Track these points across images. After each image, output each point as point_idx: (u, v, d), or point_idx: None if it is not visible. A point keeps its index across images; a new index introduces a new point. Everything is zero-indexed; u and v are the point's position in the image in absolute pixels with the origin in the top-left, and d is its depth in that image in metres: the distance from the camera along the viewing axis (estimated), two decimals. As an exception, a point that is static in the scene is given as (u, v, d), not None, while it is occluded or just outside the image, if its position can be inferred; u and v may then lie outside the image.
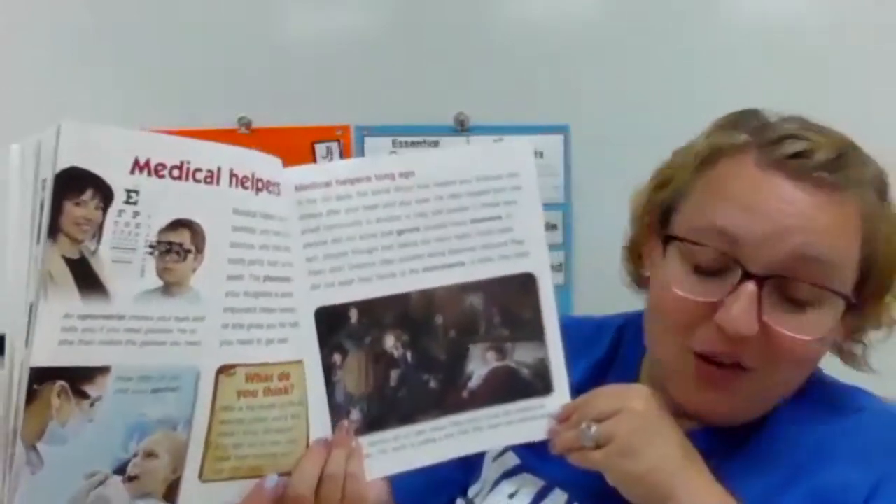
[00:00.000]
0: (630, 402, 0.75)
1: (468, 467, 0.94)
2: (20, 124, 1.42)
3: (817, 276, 0.76)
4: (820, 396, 0.83)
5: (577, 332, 0.95)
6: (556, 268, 1.54)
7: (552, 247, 1.54)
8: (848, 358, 0.85)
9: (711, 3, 1.53)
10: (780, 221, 0.76)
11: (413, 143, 1.52)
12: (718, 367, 0.78)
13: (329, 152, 1.52)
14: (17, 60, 1.47)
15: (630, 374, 0.84)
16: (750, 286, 0.75)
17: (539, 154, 1.52)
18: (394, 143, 1.53)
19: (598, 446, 0.74)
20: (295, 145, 1.50)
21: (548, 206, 1.50)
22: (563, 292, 1.54)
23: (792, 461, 0.79)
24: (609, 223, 1.47)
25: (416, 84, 1.52)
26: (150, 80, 1.49)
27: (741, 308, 0.74)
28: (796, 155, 0.78)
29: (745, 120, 0.84)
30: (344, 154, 1.52)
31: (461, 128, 1.52)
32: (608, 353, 0.91)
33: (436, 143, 1.52)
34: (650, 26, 1.51)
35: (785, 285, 0.76)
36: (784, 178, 0.78)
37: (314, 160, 1.50)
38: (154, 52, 1.49)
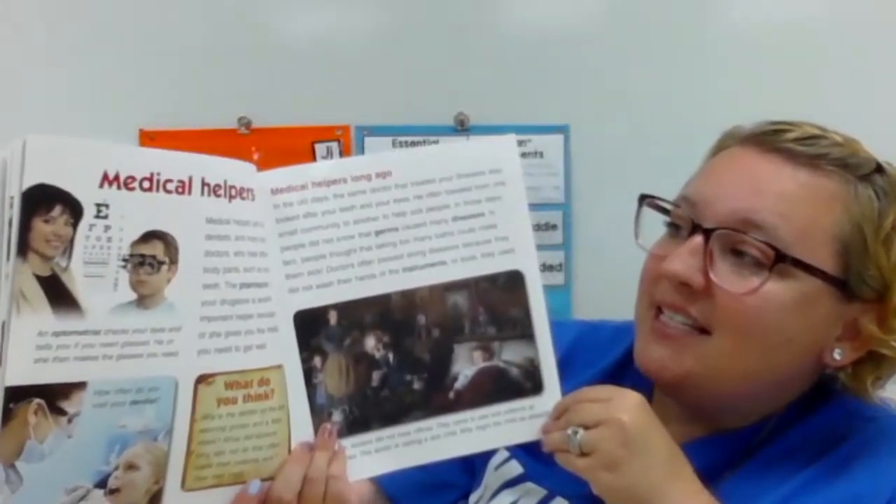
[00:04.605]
0: (616, 412, 0.74)
1: (471, 473, 0.94)
2: (20, 124, 1.42)
3: (765, 238, 0.77)
4: (833, 405, 0.82)
5: (595, 336, 0.96)
6: (556, 268, 1.54)
7: (552, 247, 1.55)
8: (851, 379, 0.83)
9: (712, 4, 1.53)
10: (731, 182, 0.80)
11: (413, 143, 1.52)
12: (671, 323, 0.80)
13: (329, 152, 1.52)
14: (16, 60, 1.47)
15: (644, 378, 0.83)
16: (696, 238, 0.78)
17: (539, 154, 1.52)
18: (394, 143, 1.52)
19: (583, 453, 0.74)
20: (295, 145, 1.50)
21: (548, 206, 1.54)
22: (563, 292, 1.54)
23: (807, 469, 0.78)
24: (609, 223, 1.48)
25: (416, 84, 1.51)
26: (150, 80, 1.49)
27: (679, 253, 0.78)
28: (774, 132, 0.81)
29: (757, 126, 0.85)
30: (344, 154, 1.52)
31: (461, 128, 1.52)
32: (624, 356, 0.91)
33: (436, 143, 1.51)
34: (650, 26, 1.50)
35: (737, 246, 0.78)
36: (756, 151, 0.81)
37: (314, 160, 1.50)
38: (154, 52, 1.49)
